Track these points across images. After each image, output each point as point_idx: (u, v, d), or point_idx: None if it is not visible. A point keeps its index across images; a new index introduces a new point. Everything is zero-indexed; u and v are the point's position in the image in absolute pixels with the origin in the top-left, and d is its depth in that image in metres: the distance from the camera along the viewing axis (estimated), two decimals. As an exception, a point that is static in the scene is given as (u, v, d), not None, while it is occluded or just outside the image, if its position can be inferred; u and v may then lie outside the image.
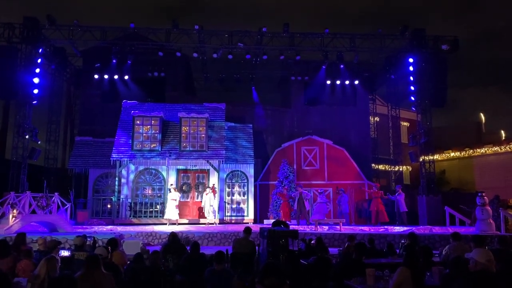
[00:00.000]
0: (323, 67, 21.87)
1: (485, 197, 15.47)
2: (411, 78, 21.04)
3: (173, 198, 17.76)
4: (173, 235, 9.56)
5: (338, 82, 24.10)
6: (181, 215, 18.32)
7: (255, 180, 20.77)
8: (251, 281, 6.08)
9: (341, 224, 16.10)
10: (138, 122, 19.46)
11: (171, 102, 22.02)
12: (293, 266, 7.13)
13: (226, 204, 20.05)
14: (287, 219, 16.78)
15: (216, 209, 18.81)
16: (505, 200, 19.58)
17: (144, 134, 19.44)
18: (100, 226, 16.39)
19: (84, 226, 16.53)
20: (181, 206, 18.49)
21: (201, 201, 18.87)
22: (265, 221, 18.91)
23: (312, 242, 10.47)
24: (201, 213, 18.84)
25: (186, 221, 18.53)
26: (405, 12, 56.47)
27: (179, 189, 19.22)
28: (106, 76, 22.72)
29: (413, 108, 21.94)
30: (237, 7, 58.07)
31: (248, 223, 18.62)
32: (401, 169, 26.84)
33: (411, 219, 20.04)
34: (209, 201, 17.98)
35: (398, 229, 15.99)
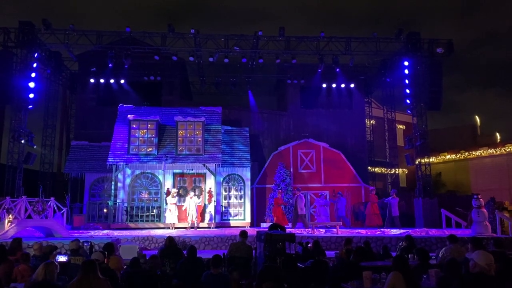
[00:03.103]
0: (319, 70, 21.90)
1: (481, 199, 15.53)
2: (407, 81, 21.14)
3: (172, 202, 17.75)
4: (169, 239, 9.51)
5: (334, 85, 24.20)
6: (177, 218, 18.27)
7: (251, 184, 20.75)
8: (248, 285, 6.07)
9: (338, 227, 16.11)
10: (134, 126, 19.43)
11: (167, 106, 22.01)
12: (290, 269, 7.14)
13: (223, 207, 20.01)
14: (283, 223, 16.76)
15: (213, 213, 18.81)
16: (500, 202, 19.67)
17: (140, 138, 19.41)
18: (96, 231, 16.33)
19: (81, 231, 16.47)
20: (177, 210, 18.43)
21: (201, 205, 18.88)
22: (262, 225, 18.92)
23: (309, 245, 10.49)
24: (201, 216, 18.77)
25: (183, 225, 18.47)
26: (404, 15, 56.91)
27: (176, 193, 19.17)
28: (102, 80, 22.69)
29: (408, 111, 22.05)
30: (233, 11, 58.22)
31: (245, 226, 18.59)
32: (397, 172, 26.91)
33: (408, 221, 20.08)
34: (194, 204, 17.89)
35: (394, 232, 16.02)
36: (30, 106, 19.39)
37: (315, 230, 15.94)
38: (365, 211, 18.95)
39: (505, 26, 58.95)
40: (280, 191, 19.53)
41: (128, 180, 19.22)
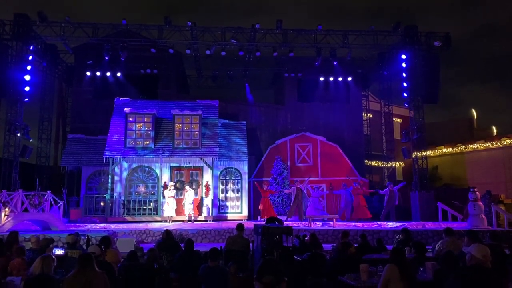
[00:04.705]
0: (316, 63, 21.85)
1: (477, 193, 15.62)
2: (404, 75, 21.14)
3: (170, 195, 17.74)
4: (167, 232, 9.53)
5: (331, 78, 24.19)
6: (176, 212, 18.28)
7: (249, 177, 20.75)
8: (246, 278, 6.08)
9: (334, 220, 16.16)
10: (130, 119, 19.34)
11: (164, 99, 21.90)
12: (287, 262, 7.14)
13: (220, 201, 20.03)
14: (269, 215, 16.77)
15: (210, 206, 18.82)
16: (496, 195, 19.79)
17: (137, 132, 19.34)
18: (93, 224, 16.33)
19: (77, 224, 16.45)
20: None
21: (198, 198, 18.89)
22: (259, 218, 18.93)
23: (306, 238, 10.51)
24: (198, 209, 18.78)
25: (181, 218, 18.48)
26: (403, 8, 56.69)
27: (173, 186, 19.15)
28: (98, 73, 22.58)
29: (405, 105, 22.06)
30: (230, 3, 57.90)
31: (242, 220, 18.62)
32: (394, 165, 26.98)
33: (404, 214, 20.16)
34: (188, 199, 17.88)
35: (391, 225, 16.09)
36: (26, 99, 19.27)
37: (311, 223, 15.99)
38: (353, 204, 18.77)
39: (505, 20, 58.89)
40: (267, 183, 19.52)
41: (125, 174, 19.18)
